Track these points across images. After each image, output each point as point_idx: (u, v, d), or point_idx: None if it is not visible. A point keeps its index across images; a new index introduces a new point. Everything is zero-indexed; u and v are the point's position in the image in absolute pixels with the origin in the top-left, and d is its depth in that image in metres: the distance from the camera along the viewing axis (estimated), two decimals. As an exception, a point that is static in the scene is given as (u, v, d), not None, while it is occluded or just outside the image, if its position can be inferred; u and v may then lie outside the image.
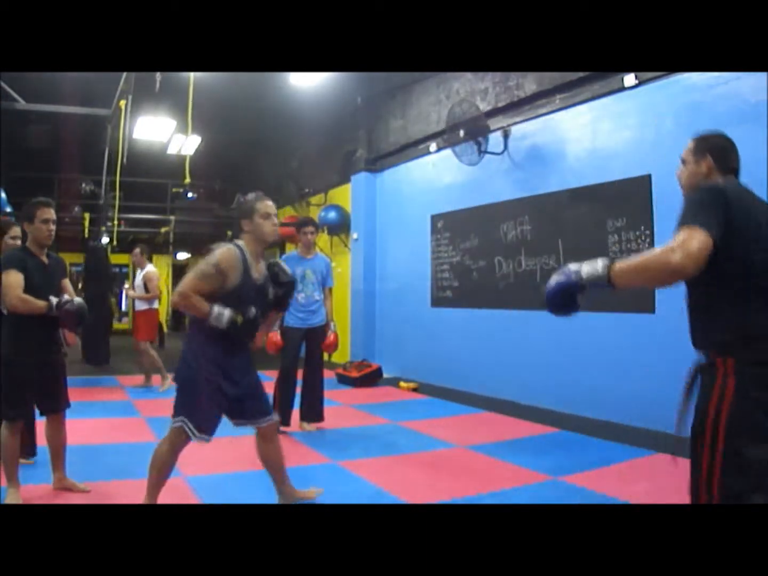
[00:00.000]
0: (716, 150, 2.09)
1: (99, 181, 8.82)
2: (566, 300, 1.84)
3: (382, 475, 3.75)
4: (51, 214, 3.18)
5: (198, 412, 2.76)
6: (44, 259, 3.22)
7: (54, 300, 3.09)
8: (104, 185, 7.78)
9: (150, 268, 7.21)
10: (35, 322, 3.06)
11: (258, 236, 2.84)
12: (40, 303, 3.05)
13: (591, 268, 1.78)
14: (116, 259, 13.38)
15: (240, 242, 2.85)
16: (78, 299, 3.21)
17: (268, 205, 2.86)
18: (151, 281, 7.06)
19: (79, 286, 11.23)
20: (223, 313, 2.68)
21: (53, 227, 3.19)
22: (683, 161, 2.12)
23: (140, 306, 7.11)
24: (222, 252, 2.76)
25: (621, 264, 1.75)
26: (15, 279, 3.02)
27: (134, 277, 7.57)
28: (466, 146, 6.11)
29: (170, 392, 6.59)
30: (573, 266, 1.82)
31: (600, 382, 4.95)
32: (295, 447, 4.50)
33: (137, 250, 7.27)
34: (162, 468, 2.81)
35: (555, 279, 1.85)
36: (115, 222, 8.76)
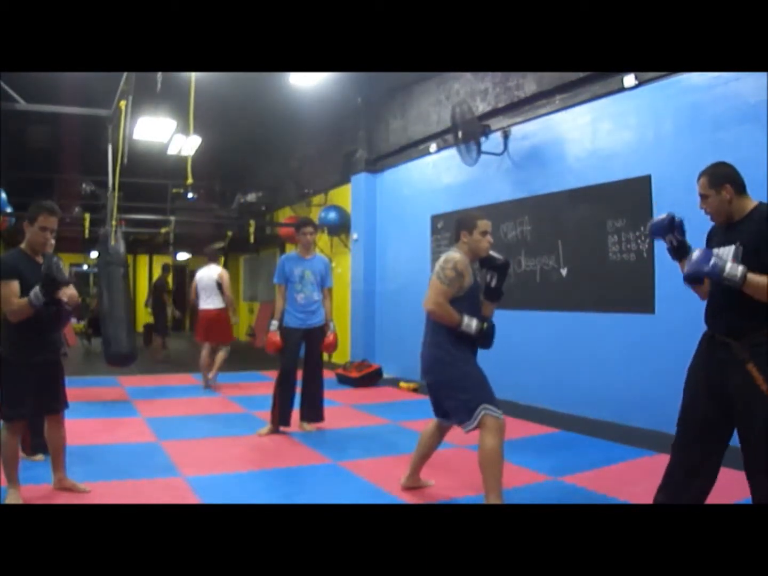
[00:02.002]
0: (734, 176, 2.44)
1: (99, 182, 8.81)
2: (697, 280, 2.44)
3: (382, 475, 3.74)
4: (52, 223, 3.10)
5: (490, 393, 3.02)
6: (39, 259, 3.13)
7: (34, 292, 2.93)
8: (109, 185, 7.75)
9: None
10: (32, 323, 3.04)
11: (473, 249, 3.14)
12: (23, 301, 2.95)
13: (731, 271, 2.22)
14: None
15: (458, 250, 3.15)
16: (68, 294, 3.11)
17: (488, 224, 3.17)
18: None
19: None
20: (471, 324, 3.01)
21: (51, 237, 3.12)
22: (705, 196, 2.45)
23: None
24: (456, 257, 3.07)
25: (755, 279, 2.18)
26: (7, 291, 2.96)
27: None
28: (467, 146, 6.11)
29: (170, 392, 6.72)
30: (718, 261, 2.26)
31: (600, 382, 4.95)
32: (295, 447, 4.50)
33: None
34: (499, 462, 2.96)
35: (701, 265, 2.29)
36: (114, 222, 8.71)
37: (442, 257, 3.10)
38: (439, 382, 3.10)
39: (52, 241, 3.16)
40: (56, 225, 3.15)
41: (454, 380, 3.03)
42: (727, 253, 2.35)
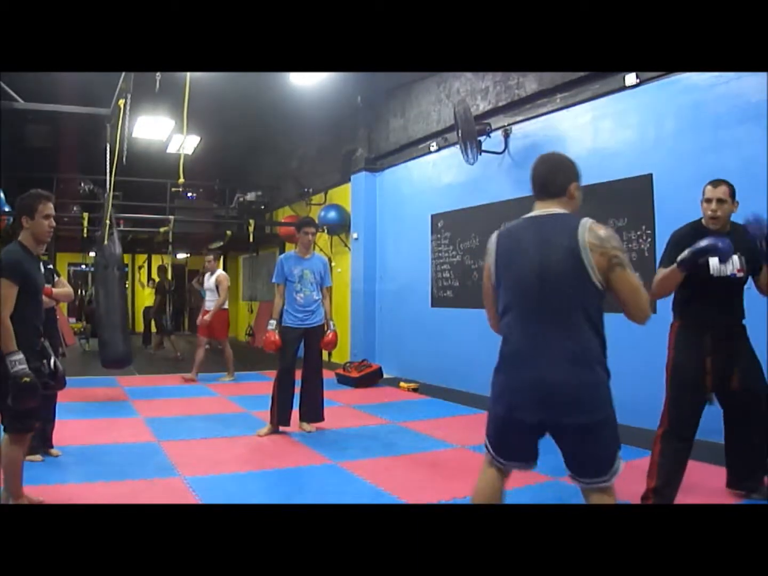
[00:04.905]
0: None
1: (98, 181, 8.79)
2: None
3: (382, 475, 3.74)
4: (52, 209, 2.98)
5: None
6: (39, 258, 3.05)
7: (18, 361, 2.72)
8: (110, 184, 7.75)
9: (220, 271, 7.88)
10: (30, 330, 2.89)
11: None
12: (12, 345, 2.73)
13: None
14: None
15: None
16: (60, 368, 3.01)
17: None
18: (221, 284, 7.72)
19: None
20: None
21: (54, 223, 3.00)
22: (723, 201, 2.82)
23: (211, 307, 7.72)
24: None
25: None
26: (8, 292, 2.75)
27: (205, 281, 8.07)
28: (468, 145, 6.11)
29: (169, 392, 6.72)
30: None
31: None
32: (295, 447, 4.50)
33: (211, 257, 7.95)
34: None
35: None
36: (107, 221, 8.69)
37: (600, 230, 2.09)
38: (599, 422, 2.09)
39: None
40: (54, 211, 3.02)
41: (611, 418, 2.13)
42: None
